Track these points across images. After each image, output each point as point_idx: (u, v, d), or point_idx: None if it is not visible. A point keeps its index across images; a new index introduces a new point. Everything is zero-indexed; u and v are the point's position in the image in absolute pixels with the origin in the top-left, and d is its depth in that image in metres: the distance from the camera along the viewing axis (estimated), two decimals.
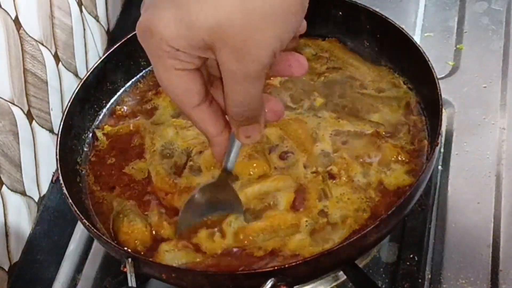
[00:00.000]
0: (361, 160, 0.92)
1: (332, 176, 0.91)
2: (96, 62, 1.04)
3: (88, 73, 1.02)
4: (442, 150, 1.06)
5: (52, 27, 1.14)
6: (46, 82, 1.13)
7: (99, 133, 1.02)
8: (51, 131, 1.15)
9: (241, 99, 0.62)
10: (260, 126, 0.69)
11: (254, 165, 0.92)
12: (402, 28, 0.99)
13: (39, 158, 1.11)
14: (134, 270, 0.81)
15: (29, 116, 1.07)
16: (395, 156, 0.91)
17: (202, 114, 0.66)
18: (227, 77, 0.61)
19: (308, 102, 1.00)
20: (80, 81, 1.01)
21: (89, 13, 1.28)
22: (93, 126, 1.04)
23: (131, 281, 0.80)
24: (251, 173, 0.91)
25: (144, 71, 1.11)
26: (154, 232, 0.88)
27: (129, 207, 0.92)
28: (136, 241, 0.87)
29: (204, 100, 0.65)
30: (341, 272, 0.93)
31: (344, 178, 0.90)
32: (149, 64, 1.11)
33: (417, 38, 1.19)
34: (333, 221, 0.86)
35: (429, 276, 0.93)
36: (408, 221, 0.98)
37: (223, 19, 0.56)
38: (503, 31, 1.21)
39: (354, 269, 0.88)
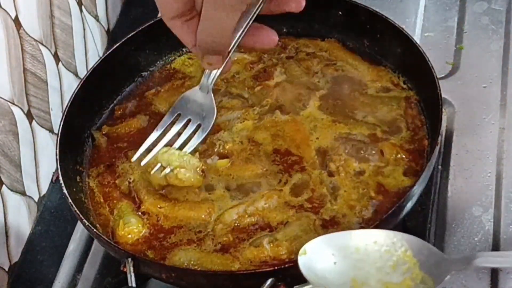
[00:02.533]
0: (359, 159, 0.92)
1: (331, 174, 0.91)
2: (96, 62, 1.04)
3: (88, 73, 1.02)
4: (442, 150, 1.06)
5: (52, 27, 1.14)
6: (46, 82, 1.13)
7: (96, 134, 1.02)
8: (51, 131, 1.15)
9: (212, 29, 0.68)
10: (223, 58, 0.76)
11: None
12: (402, 28, 0.99)
13: (39, 158, 1.11)
14: (134, 270, 0.81)
15: (29, 116, 1.07)
16: (394, 155, 0.91)
17: (176, 27, 0.74)
18: (206, 2, 0.65)
19: (304, 103, 1.00)
20: (80, 81, 1.01)
21: (89, 13, 1.28)
22: (93, 126, 1.04)
23: (131, 281, 0.80)
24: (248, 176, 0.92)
25: (143, 71, 1.11)
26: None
27: (125, 208, 0.92)
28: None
29: (181, 15, 0.71)
30: None
31: (342, 175, 0.90)
32: (149, 64, 1.11)
33: (417, 38, 1.19)
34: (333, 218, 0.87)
35: None
36: (408, 221, 0.98)
37: None
38: (503, 31, 1.21)
39: None
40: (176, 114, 0.93)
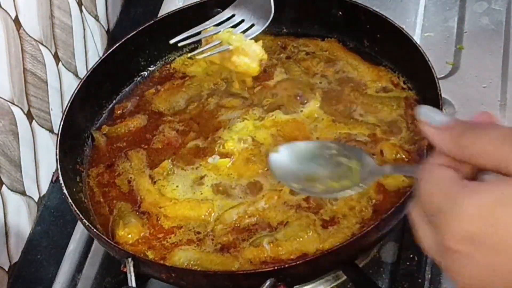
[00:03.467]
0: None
1: None
2: (96, 62, 1.04)
3: (88, 73, 1.02)
4: None
5: (52, 27, 1.14)
6: (46, 82, 1.13)
7: (96, 134, 1.02)
8: (51, 131, 1.15)
9: None
10: None
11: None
12: (402, 28, 0.99)
13: (39, 158, 1.11)
14: (134, 270, 0.81)
15: (29, 116, 1.07)
16: (394, 155, 0.91)
17: None
18: None
19: (304, 103, 1.00)
20: (80, 81, 1.01)
21: (89, 13, 1.28)
22: (92, 126, 1.04)
23: (131, 281, 0.80)
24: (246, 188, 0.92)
25: (143, 71, 1.11)
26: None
27: (125, 208, 0.92)
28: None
29: None
30: (341, 272, 0.93)
31: None
32: (148, 64, 1.11)
33: (417, 38, 1.19)
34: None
35: (429, 276, 0.93)
36: (408, 221, 0.98)
37: None
38: (503, 31, 1.21)
39: (354, 269, 0.87)
40: (230, 15, 0.92)
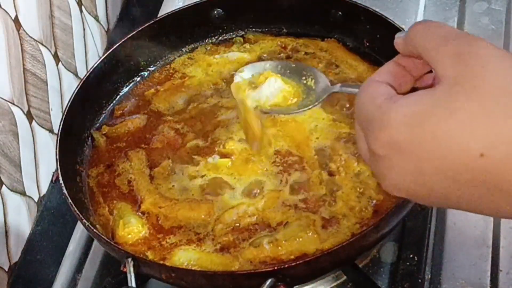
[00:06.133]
0: (359, 159, 0.92)
1: (331, 174, 0.91)
2: (96, 62, 1.04)
3: (88, 73, 1.02)
4: None
5: (52, 27, 1.14)
6: (46, 82, 1.13)
7: (96, 135, 1.02)
8: (51, 131, 1.15)
9: None
10: None
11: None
12: (402, 28, 0.99)
13: (39, 158, 1.11)
14: (134, 270, 0.81)
15: (29, 116, 1.07)
16: None
17: None
18: None
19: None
20: (80, 81, 1.01)
21: (89, 13, 1.28)
22: (92, 126, 1.04)
23: (131, 281, 0.80)
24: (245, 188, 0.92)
25: (143, 71, 1.11)
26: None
27: (125, 208, 0.92)
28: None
29: None
30: (341, 272, 0.93)
31: (342, 175, 0.90)
32: (148, 64, 1.12)
33: None
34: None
35: (429, 276, 0.93)
36: (408, 221, 0.98)
37: None
38: (503, 31, 1.21)
39: (354, 269, 0.88)
40: None
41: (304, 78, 0.86)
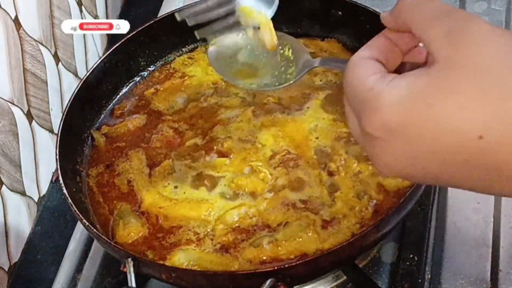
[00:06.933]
0: (359, 159, 0.92)
1: (331, 174, 0.91)
2: (96, 62, 1.04)
3: (88, 73, 1.02)
4: None
5: (52, 27, 1.14)
6: (46, 82, 1.13)
7: (95, 134, 1.02)
8: (51, 131, 1.15)
9: None
10: None
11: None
12: None
13: (39, 158, 1.11)
14: (134, 270, 0.81)
15: (29, 116, 1.07)
16: None
17: None
18: None
19: (304, 103, 1.00)
20: (80, 81, 1.01)
21: (89, 13, 1.28)
22: (92, 126, 1.04)
23: (131, 281, 0.80)
24: (246, 189, 0.91)
25: (143, 71, 1.11)
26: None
27: (124, 208, 0.92)
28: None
29: None
30: (341, 272, 0.93)
31: (342, 175, 0.90)
32: (148, 64, 1.12)
33: None
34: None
35: (429, 276, 0.93)
36: (408, 221, 0.98)
37: None
38: None
39: (354, 269, 0.88)
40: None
41: (280, 47, 0.81)
